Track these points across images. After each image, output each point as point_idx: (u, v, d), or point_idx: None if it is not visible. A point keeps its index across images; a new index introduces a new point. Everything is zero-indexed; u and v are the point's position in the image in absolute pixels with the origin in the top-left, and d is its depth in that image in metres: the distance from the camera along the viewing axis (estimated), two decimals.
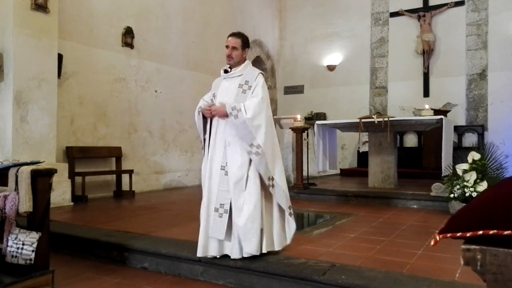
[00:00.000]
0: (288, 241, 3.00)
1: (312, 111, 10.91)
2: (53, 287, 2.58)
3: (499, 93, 8.92)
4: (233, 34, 3.09)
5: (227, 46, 3.04)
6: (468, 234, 0.84)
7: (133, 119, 7.31)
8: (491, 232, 0.81)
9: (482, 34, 9.14)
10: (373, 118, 6.39)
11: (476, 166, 4.63)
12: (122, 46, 7.11)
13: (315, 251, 3.21)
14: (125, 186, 6.75)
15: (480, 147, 5.68)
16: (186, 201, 6.38)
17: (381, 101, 10.30)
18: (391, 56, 10.19)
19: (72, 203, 5.72)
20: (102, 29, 6.77)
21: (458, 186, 4.64)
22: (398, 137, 9.11)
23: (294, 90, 11.52)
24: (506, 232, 0.79)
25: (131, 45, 7.24)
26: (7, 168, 2.58)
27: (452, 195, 4.71)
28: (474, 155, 4.70)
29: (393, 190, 6.27)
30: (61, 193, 5.56)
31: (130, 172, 6.75)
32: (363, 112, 9.65)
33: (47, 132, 5.56)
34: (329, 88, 10.97)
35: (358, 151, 9.70)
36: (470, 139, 8.98)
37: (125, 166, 6.92)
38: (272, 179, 2.86)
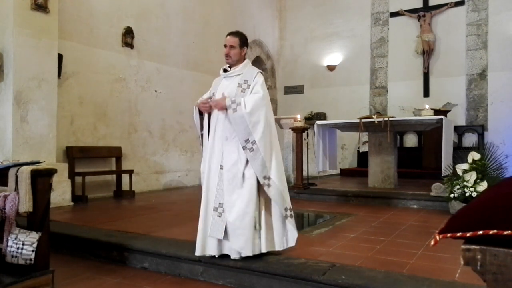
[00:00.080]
0: (290, 244, 2.94)
1: (312, 111, 10.91)
2: (53, 287, 2.58)
3: (499, 93, 8.92)
4: (231, 33, 3.09)
5: (225, 45, 3.05)
6: (468, 234, 0.84)
7: (133, 119, 7.31)
8: (491, 232, 0.81)
9: (482, 34, 9.14)
10: (373, 118, 6.39)
11: (476, 166, 4.63)
12: (122, 46, 7.12)
13: (315, 251, 3.21)
14: (125, 186, 6.75)
15: (480, 147, 5.68)
16: (186, 201, 6.38)
17: (381, 101, 10.30)
18: (391, 56, 10.19)
19: (72, 203, 5.72)
20: (102, 29, 6.77)
21: (458, 186, 4.65)
22: (398, 137, 9.11)
23: (294, 90, 11.52)
24: (506, 232, 0.79)
25: (131, 45, 7.25)
26: (7, 168, 2.58)
27: (452, 195, 4.71)
28: (474, 155, 4.70)
29: (393, 190, 6.27)
30: (61, 193, 5.56)
31: (130, 172, 6.75)
32: (363, 112, 9.65)
33: (47, 132, 5.56)
34: (329, 88, 10.97)
35: (358, 151, 9.70)
36: (470, 139, 8.98)
37: (125, 166, 6.92)
38: (269, 178, 2.83)
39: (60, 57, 5.86)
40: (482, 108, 9.15)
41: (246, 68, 3.07)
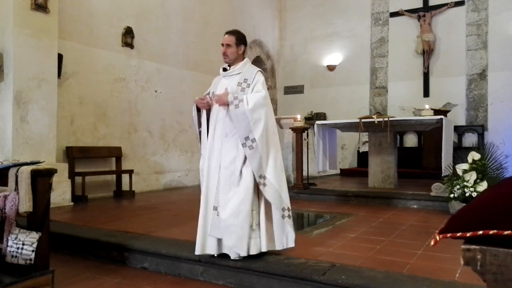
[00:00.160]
0: (290, 244, 2.92)
1: (312, 111, 10.91)
2: (53, 287, 2.58)
3: (499, 93, 8.92)
4: (228, 32, 3.10)
5: (222, 44, 3.05)
6: (468, 234, 0.84)
7: (133, 119, 7.31)
8: (491, 232, 0.81)
9: (482, 34, 9.15)
10: (373, 118, 6.39)
11: (476, 166, 4.63)
12: (122, 46, 7.12)
13: (315, 251, 3.21)
14: (125, 186, 6.75)
15: (480, 147, 5.68)
16: (186, 201, 6.38)
17: (381, 101, 10.30)
18: (391, 56, 10.18)
19: (72, 203, 5.72)
20: (102, 29, 6.77)
21: (458, 186, 4.64)
22: (398, 137, 9.11)
23: (294, 90, 11.52)
24: (506, 232, 0.79)
25: (131, 45, 7.25)
26: (7, 168, 2.58)
27: (452, 195, 4.71)
28: (474, 155, 4.70)
29: (393, 190, 6.27)
30: (61, 193, 5.56)
31: (130, 172, 6.75)
32: (363, 112, 9.65)
33: (47, 132, 5.56)
34: (329, 88, 10.97)
35: (358, 151, 9.70)
36: (470, 139, 8.98)
37: (125, 166, 6.92)
38: (264, 177, 2.83)
39: (60, 57, 5.86)
40: (482, 108, 9.15)
41: (246, 67, 3.07)
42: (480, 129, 9.02)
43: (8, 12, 5.21)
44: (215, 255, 2.93)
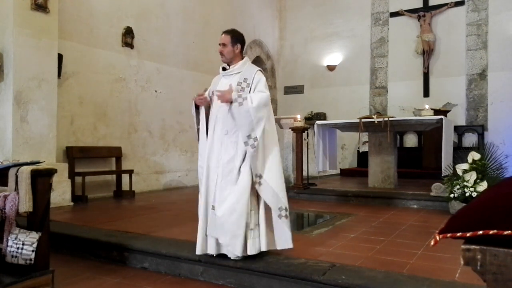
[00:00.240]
0: (288, 245, 2.89)
1: (312, 111, 10.91)
2: (53, 287, 2.58)
3: (499, 93, 8.92)
4: (224, 31, 3.09)
5: (219, 44, 3.05)
6: (468, 234, 0.84)
7: (133, 119, 7.31)
8: (491, 232, 0.81)
9: (482, 34, 9.14)
10: (373, 118, 6.39)
11: (476, 166, 4.63)
12: (122, 46, 7.12)
13: (315, 251, 3.21)
14: (125, 186, 6.75)
15: (480, 147, 5.68)
16: (186, 201, 6.38)
17: (381, 101, 10.30)
18: (391, 56, 10.18)
19: (72, 203, 5.72)
20: (102, 29, 6.77)
21: (458, 186, 4.64)
22: (398, 137, 9.11)
23: (294, 90, 11.52)
24: (506, 232, 0.79)
25: (131, 45, 7.25)
26: (7, 168, 2.58)
27: (452, 195, 4.71)
28: (474, 155, 4.70)
29: (393, 190, 6.27)
30: (61, 193, 5.56)
31: (130, 172, 6.75)
32: (363, 112, 9.65)
33: (47, 132, 5.56)
34: (329, 88, 10.97)
35: (358, 151, 9.70)
36: (470, 139, 8.98)
37: (125, 166, 6.92)
38: (260, 176, 2.83)
39: (60, 57, 5.86)
40: (482, 108, 9.15)
41: (245, 66, 3.05)
42: (480, 129, 9.02)
43: (8, 12, 5.21)
44: (214, 255, 2.92)
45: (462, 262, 0.86)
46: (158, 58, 7.82)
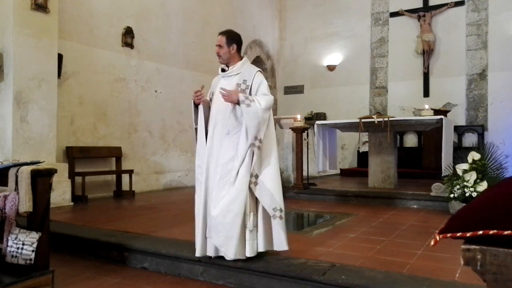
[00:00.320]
0: (284, 247, 2.87)
1: (312, 111, 10.91)
2: (53, 287, 2.58)
3: (499, 93, 8.92)
4: (220, 32, 3.07)
5: (216, 45, 3.04)
6: (468, 234, 0.84)
7: (133, 119, 7.31)
8: (491, 232, 0.81)
9: (482, 34, 9.15)
10: (373, 118, 6.39)
11: (476, 166, 4.63)
12: (122, 46, 7.12)
13: (315, 251, 3.21)
14: (125, 186, 6.75)
15: (480, 147, 5.68)
16: (186, 201, 6.37)
17: (381, 101, 10.30)
18: (391, 56, 10.19)
19: (72, 203, 5.72)
20: (102, 29, 6.77)
21: (458, 186, 4.64)
22: (398, 137, 9.11)
23: (294, 90, 11.52)
24: (506, 232, 0.79)
25: (131, 45, 7.25)
26: (7, 168, 2.58)
27: (452, 195, 4.71)
28: (474, 155, 4.70)
29: (393, 190, 6.27)
30: (61, 193, 5.56)
31: (130, 172, 6.75)
32: (363, 112, 9.65)
33: (47, 132, 5.56)
34: (329, 88, 10.97)
35: (358, 151, 9.70)
36: (470, 139, 8.98)
37: (125, 166, 6.92)
38: (256, 176, 2.83)
39: (60, 57, 5.86)
40: (482, 108, 9.15)
41: (244, 67, 3.04)
42: (480, 129, 9.02)
43: (8, 12, 5.21)
44: (213, 257, 2.91)
45: (462, 262, 0.86)
46: (158, 58, 7.82)
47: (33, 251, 2.43)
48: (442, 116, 6.02)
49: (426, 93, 9.66)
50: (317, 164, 6.73)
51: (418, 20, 9.72)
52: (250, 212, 2.83)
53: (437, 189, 5.49)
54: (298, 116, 6.71)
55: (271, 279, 2.72)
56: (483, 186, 4.44)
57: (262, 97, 2.88)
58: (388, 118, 6.26)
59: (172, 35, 8.14)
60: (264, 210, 2.87)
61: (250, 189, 2.83)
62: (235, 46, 3.03)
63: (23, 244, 2.43)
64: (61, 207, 5.44)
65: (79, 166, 6.21)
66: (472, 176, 4.56)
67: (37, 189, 2.52)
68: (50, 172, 2.64)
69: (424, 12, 9.64)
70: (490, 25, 9.06)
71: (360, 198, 5.98)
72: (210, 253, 2.90)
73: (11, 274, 2.45)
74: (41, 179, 2.56)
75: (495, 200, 0.99)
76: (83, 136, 6.46)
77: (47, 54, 5.55)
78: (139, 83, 7.44)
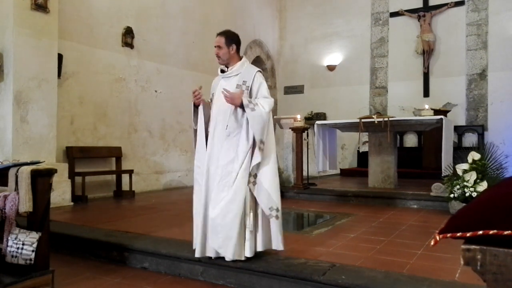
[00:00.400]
0: (276, 246, 2.88)
1: (312, 111, 10.91)
2: (53, 287, 2.58)
3: (499, 93, 8.92)
4: (218, 33, 3.05)
5: (215, 46, 3.03)
6: (468, 234, 0.83)
7: (133, 119, 7.31)
8: (491, 232, 0.81)
9: (482, 34, 9.14)
10: (373, 118, 6.39)
11: (476, 166, 4.63)
12: (122, 46, 7.12)
13: (315, 251, 3.21)
14: (125, 186, 6.75)
15: (480, 147, 5.68)
16: (186, 201, 6.35)
17: (381, 101, 10.30)
18: (391, 56, 10.19)
19: (72, 203, 5.72)
20: (102, 29, 6.77)
21: (458, 186, 4.64)
22: (398, 137, 9.10)
23: (294, 90, 11.52)
24: (506, 232, 0.79)
25: (131, 45, 7.25)
26: (7, 168, 2.58)
27: (452, 195, 4.71)
28: (474, 155, 4.70)
29: (393, 190, 6.27)
30: (61, 193, 5.56)
31: (130, 172, 6.75)
32: (363, 112, 9.65)
33: (47, 132, 5.56)
34: (329, 88, 10.97)
35: (358, 151, 9.70)
36: (470, 139, 8.98)
37: (125, 166, 6.92)
38: (255, 176, 2.84)
39: (60, 57, 5.86)
40: (482, 108, 9.15)
41: (244, 67, 3.03)
42: (480, 129, 9.02)
43: (8, 12, 5.21)
44: (213, 258, 2.91)
45: (462, 262, 0.86)
46: (158, 58, 7.82)
47: (33, 251, 2.43)
48: (442, 116, 6.02)
49: (426, 93, 9.66)
50: (317, 164, 6.73)
51: (418, 20, 9.72)
52: (250, 211, 2.83)
53: (437, 189, 5.49)
54: (298, 116, 6.71)
55: (271, 279, 2.72)
56: (483, 186, 4.44)
57: (265, 101, 2.88)
58: (388, 118, 6.26)
59: (172, 35, 8.14)
60: (263, 210, 2.87)
61: (249, 188, 2.84)
62: (234, 46, 3.02)
63: (23, 244, 2.43)
64: (61, 207, 5.44)
65: (79, 166, 6.21)
66: (472, 176, 4.56)
67: (37, 189, 2.52)
68: (50, 172, 2.64)
69: (424, 12, 9.64)
70: (490, 25, 9.06)
71: (360, 198, 5.97)
72: (211, 253, 2.90)
73: (11, 274, 2.45)
74: (41, 179, 2.56)
75: (495, 200, 0.99)
76: (83, 136, 6.46)
77: (47, 54, 5.55)
78: (139, 83, 7.44)
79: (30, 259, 2.43)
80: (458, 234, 0.85)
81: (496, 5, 8.98)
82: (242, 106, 2.84)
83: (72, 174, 5.95)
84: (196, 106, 3.11)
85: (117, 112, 7.01)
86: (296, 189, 6.44)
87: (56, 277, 2.64)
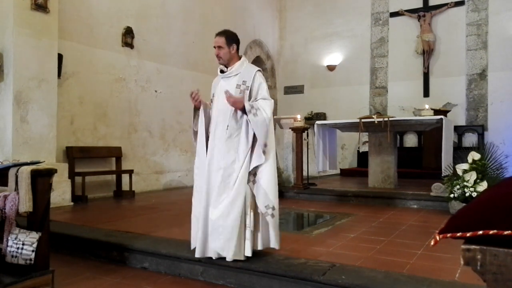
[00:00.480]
0: (272, 244, 2.88)
1: (312, 111, 10.91)
2: (53, 287, 2.58)
3: (499, 93, 8.92)
4: (218, 33, 3.04)
5: (214, 47, 3.02)
6: (468, 234, 0.83)
7: (133, 119, 7.31)
8: (491, 232, 0.81)
9: (482, 34, 9.14)
10: (373, 118, 6.39)
11: (476, 166, 4.63)
12: (122, 46, 7.11)
13: (315, 251, 3.21)
14: (125, 186, 6.75)
15: (480, 147, 5.68)
16: (186, 201, 6.34)
17: (381, 101, 10.30)
18: (391, 56, 10.18)
19: (72, 203, 5.72)
20: (102, 29, 6.77)
21: (458, 186, 4.64)
22: (398, 137, 9.10)
23: (294, 90, 11.52)
24: (506, 232, 0.79)
25: (131, 45, 7.25)
26: (7, 168, 2.58)
27: (452, 195, 4.71)
28: (474, 155, 4.70)
29: (393, 190, 6.27)
30: (61, 193, 5.56)
31: (130, 172, 6.75)
32: (363, 112, 9.65)
33: (47, 132, 5.56)
34: (329, 88, 10.97)
35: (358, 151, 9.70)
36: (470, 139, 8.98)
37: (125, 166, 6.92)
38: (254, 174, 2.85)
39: (60, 57, 5.86)
40: (482, 108, 9.15)
41: (243, 67, 3.02)
42: (480, 129, 9.02)
43: (8, 12, 5.21)
44: (213, 258, 2.90)
45: (462, 262, 0.86)
46: (158, 58, 7.82)
47: (33, 251, 2.43)
48: (442, 116, 6.02)
49: (426, 93, 9.66)
50: (317, 164, 6.73)
51: (418, 20, 9.72)
52: (250, 211, 2.83)
53: (437, 189, 5.49)
54: (298, 116, 6.71)
55: (271, 279, 2.72)
56: (483, 186, 4.44)
57: (265, 104, 2.88)
58: (388, 118, 6.26)
59: (172, 35, 8.14)
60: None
61: (249, 187, 2.85)
62: (235, 46, 3.01)
63: (23, 244, 2.43)
64: (61, 207, 5.44)
65: (79, 166, 6.21)
66: (472, 176, 4.56)
67: (37, 189, 2.52)
68: (50, 172, 2.64)
69: (424, 12, 9.64)
70: (490, 25, 9.06)
71: (360, 198, 5.97)
72: (212, 254, 2.89)
73: (11, 274, 2.45)
74: (41, 179, 2.56)
75: (495, 200, 0.99)
76: (83, 136, 6.46)
77: (47, 54, 5.55)
78: (139, 83, 7.44)
79: (30, 259, 2.43)
80: (458, 234, 0.85)
81: (496, 5, 8.98)
82: (243, 110, 2.84)
83: (72, 174, 5.95)
84: (196, 109, 3.10)
85: (117, 112, 7.01)
86: (296, 189, 6.44)
87: (56, 277, 2.64)
